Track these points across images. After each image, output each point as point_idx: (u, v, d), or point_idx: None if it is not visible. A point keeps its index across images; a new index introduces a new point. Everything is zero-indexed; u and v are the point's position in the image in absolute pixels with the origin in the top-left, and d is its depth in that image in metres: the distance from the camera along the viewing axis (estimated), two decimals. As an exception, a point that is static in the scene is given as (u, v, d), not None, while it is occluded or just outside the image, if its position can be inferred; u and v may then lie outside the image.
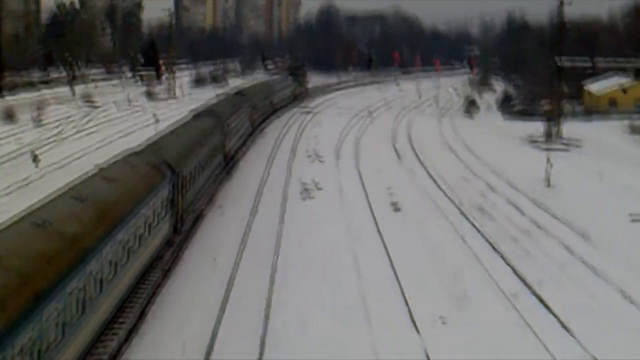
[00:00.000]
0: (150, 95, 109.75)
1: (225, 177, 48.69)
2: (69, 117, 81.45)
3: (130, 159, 28.07)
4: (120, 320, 22.68)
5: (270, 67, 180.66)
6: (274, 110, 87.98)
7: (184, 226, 33.56)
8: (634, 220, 39.70)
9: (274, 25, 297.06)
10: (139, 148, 31.50)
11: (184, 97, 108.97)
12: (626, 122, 79.75)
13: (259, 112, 75.25)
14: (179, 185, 31.33)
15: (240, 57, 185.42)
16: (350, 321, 25.28)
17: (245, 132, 63.93)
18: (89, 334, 19.05)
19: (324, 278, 29.50)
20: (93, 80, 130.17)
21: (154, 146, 32.63)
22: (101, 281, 19.75)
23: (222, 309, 25.66)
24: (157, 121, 69.29)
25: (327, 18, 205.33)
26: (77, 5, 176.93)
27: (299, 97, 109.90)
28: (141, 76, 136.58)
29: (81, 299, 18.02)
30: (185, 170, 33.04)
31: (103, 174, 24.56)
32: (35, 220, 17.80)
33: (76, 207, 19.91)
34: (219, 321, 24.58)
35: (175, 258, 30.96)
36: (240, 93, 72.16)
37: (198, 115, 48.71)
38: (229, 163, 52.12)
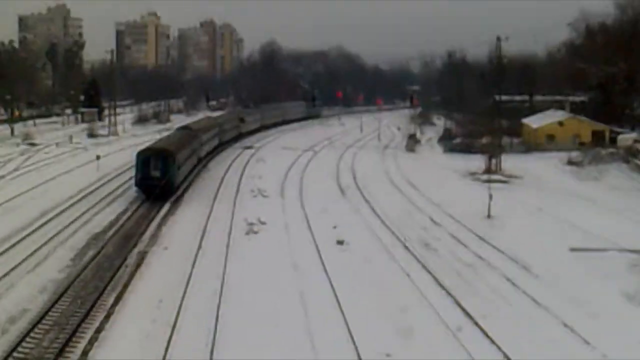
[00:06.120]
0: (91, 133, 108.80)
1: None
2: (8, 156, 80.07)
3: None
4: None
5: (212, 103, 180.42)
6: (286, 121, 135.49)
7: None
8: (572, 251, 40.47)
9: (217, 63, 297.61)
10: None
11: (125, 135, 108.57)
12: (563, 156, 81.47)
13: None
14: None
15: (184, 97, 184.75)
16: (296, 358, 25.19)
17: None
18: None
19: (269, 315, 29.37)
20: (32, 119, 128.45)
21: None
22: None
23: (167, 347, 25.39)
24: (98, 159, 68.76)
25: (270, 55, 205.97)
26: (16, 44, 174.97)
27: (312, 117, 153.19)
28: (82, 114, 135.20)
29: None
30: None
31: None
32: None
33: None
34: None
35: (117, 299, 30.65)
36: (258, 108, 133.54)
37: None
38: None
